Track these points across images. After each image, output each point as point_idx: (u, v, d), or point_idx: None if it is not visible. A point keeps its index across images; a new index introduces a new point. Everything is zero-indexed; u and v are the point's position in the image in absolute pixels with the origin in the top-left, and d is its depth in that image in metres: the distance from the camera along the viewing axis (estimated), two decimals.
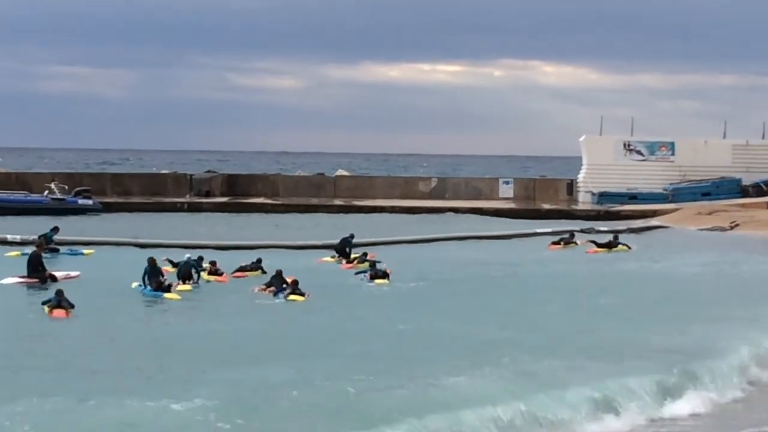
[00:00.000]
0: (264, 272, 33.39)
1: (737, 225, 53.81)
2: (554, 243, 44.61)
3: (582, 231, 48.42)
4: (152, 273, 30.28)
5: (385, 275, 32.74)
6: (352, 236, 40.46)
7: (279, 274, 30.43)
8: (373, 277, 32.62)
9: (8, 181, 67.40)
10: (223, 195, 67.63)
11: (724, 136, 69.14)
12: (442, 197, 68.33)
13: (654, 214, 60.49)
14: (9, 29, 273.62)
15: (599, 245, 43.13)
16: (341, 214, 59.96)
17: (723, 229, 52.80)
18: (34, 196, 60.62)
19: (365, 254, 37.50)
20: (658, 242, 47.98)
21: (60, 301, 26.45)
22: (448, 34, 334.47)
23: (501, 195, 69.16)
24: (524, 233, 49.07)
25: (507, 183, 71.15)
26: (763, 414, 18.96)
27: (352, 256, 38.28)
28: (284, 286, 29.48)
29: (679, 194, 64.71)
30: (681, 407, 18.68)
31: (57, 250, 39.15)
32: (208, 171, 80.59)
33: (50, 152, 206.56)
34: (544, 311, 27.59)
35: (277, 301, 28.62)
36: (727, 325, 24.99)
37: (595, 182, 66.84)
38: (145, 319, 27.19)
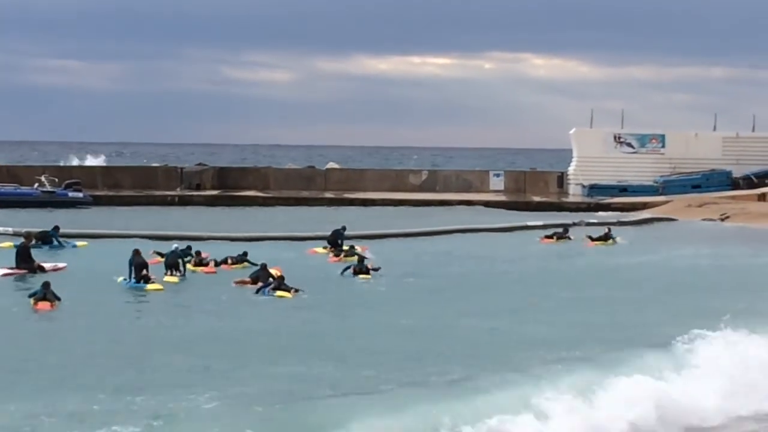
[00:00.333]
0: (251, 264, 33.43)
1: (727, 217, 53.98)
2: (547, 237, 44.44)
3: (574, 224, 48.30)
4: (136, 264, 30.35)
5: (368, 270, 32.67)
6: (344, 228, 40.57)
7: (264, 267, 30.40)
8: (357, 272, 32.57)
9: None
10: (213, 188, 67.55)
11: (715, 129, 69.24)
12: (432, 190, 68.33)
13: (644, 206, 60.62)
14: None
15: (594, 239, 42.94)
16: (332, 207, 59.93)
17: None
18: (25, 189, 60.50)
19: (352, 247, 37.49)
20: (658, 235, 47.92)
21: (45, 294, 26.46)
22: (438, 27, 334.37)
23: (491, 187, 69.18)
24: (515, 226, 48.93)
25: (497, 175, 71.19)
26: None
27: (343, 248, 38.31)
28: (270, 279, 29.37)
29: (669, 186, 64.80)
30: None
31: (50, 243, 39.16)
32: (199, 164, 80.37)
33: (42, 145, 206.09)
34: (543, 306, 27.55)
35: (262, 297, 28.27)
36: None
37: (586, 175, 66.89)
38: (128, 313, 26.98)
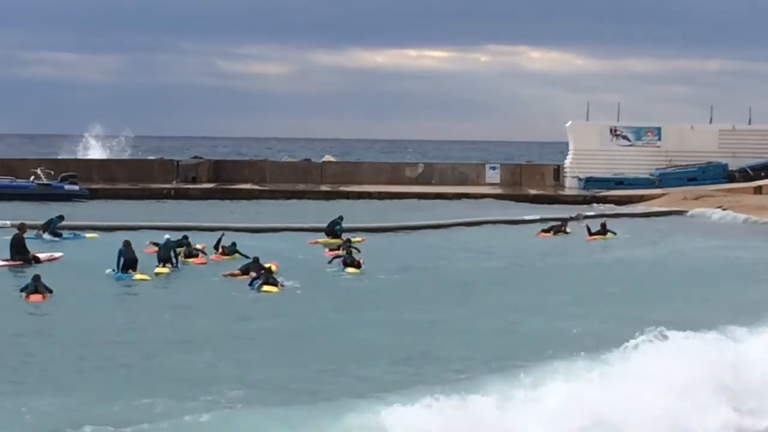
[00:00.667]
0: (242, 255, 33.62)
1: (724, 210, 54.02)
2: (544, 231, 44.33)
3: (571, 218, 48.16)
4: (127, 256, 30.42)
5: (358, 264, 32.63)
6: (341, 218, 41.06)
7: (256, 260, 30.40)
8: (346, 265, 32.57)
9: None
10: (209, 181, 67.53)
11: (711, 122, 69.26)
12: (428, 183, 68.37)
13: (640, 199, 60.71)
14: None
15: (592, 233, 42.76)
16: (328, 200, 59.90)
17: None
18: (20, 182, 60.52)
19: (349, 240, 37.57)
20: (662, 228, 47.83)
21: (37, 286, 26.44)
22: (434, 20, 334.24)
23: (488, 180, 69.21)
24: (512, 220, 48.80)
25: (494, 168, 71.19)
26: None
27: (337, 241, 38.46)
28: (262, 272, 29.33)
29: (665, 179, 64.83)
30: None
31: (60, 235, 39.22)
32: (195, 157, 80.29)
33: (38, 138, 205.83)
34: (544, 301, 27.34)
35: (251, 294, 28.12)
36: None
37: (582, 167, 66.92)
38: (117, 306, 26.85)
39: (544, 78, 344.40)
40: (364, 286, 30.08)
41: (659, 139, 67.80)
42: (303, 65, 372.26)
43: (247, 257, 32.58)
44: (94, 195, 59.80)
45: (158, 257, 32.05)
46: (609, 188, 64.11)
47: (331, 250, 36.88)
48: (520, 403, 15.58)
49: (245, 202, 59.99)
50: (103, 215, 47.18)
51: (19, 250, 32.91)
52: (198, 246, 35.29)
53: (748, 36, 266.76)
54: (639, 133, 67.98)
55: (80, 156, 78.79)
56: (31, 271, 30.12)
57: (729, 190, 61.22)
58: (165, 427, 14.62)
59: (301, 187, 65.79)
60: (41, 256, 33.22)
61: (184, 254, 33.58)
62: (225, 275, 30.52)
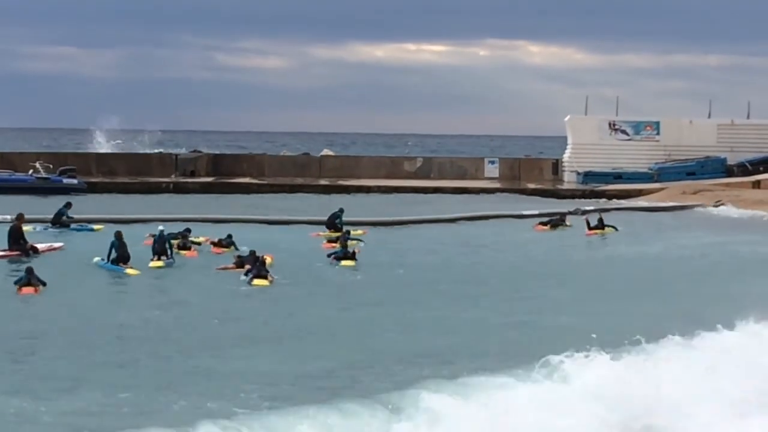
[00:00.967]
0: (236, 248, 33.88)
1: (722, 204, 54.08)
2: (542, 224, 44.32)
3: (570, 212, 48.14)
4: (119, 247, 30.55)
5: (352, 256, 32.68)
6: (341, 210, 41.41)
7: (252, 253, 30.44)
8: (339, 259, 32.61)
9: None
10: (208, 175, 67.52)
11: (710, 116, 69.21)
12: (427, 177, 68.38)
13: (639, 193, 60.75)
14: None
15: (591, 227, 42.71)
16: (327, 194, 59.89)
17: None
18: (19, 175, 60.56)
19: (348, 232, 37.68)
20: (665, 222, 47.79)
21: (30, 279, 26.44)
22: (433, 14, 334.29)
23: (486, 175, 69.22)
24: (510, 214, 48.70)
25: (492, 163, 71.23)
26: None
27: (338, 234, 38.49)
28: (256, 264, 29.40)
29: (664, 174, 64.81)
30: None
31: (68, 226, 39.28)
32: (194, 151, 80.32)
33: (37, 132, 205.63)
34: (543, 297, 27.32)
35: (243, 288, 28.09)
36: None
37: (580, 162, 66.91)
38: (107, 300, 26.85)
39: (542, 72, 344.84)
40: (356, 281, 29.96)
41: (658, 134, 67.78)
42: (302, 59, 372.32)
43: (237, 249, 33.04)
44: (93, 188, 59.74)
45: (153, 250, 32.10)
46: (607, 182, 64.13)
47: (329, 241, 37.03)
48: (531, 400, 15.43)
49: (243, 195, 59.91)
50: (101, 209, 47.14)
51: (17, 240, 32.93)
52: (201, 238, 35.54)
53: (746, 31, 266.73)
54: (638, 127, 67.97)
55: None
56: (34, 261, 30.33)
57: (727, 185, 61.27)
58: (164, 426, 14.53)
59: (299, 181, 65.78)
60: (40, 246, 33.28)
61: (178, 246, 33.74)
62: (218, 269, 30.53)
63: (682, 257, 35.69)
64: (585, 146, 67.45)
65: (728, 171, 65.00)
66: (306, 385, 17.41)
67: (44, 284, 26.61)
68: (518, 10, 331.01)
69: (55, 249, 33.79)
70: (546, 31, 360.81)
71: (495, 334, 21.88)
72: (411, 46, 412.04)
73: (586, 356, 16.93)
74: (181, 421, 14.39)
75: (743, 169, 64.75)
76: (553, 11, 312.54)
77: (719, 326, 19.76)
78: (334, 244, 35.93)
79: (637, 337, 18.37)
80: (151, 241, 33.49)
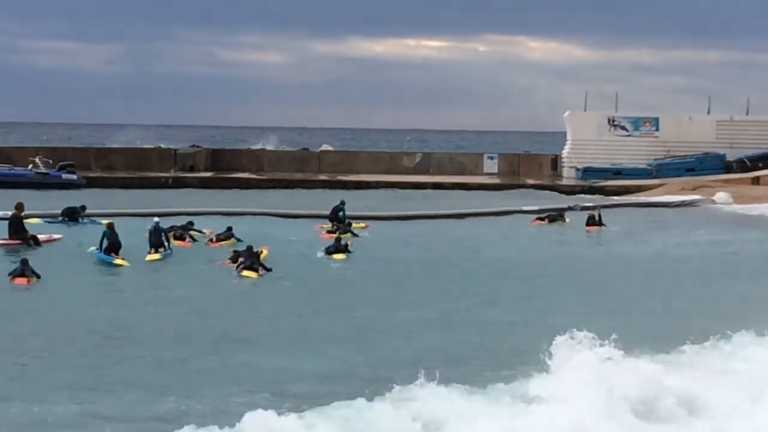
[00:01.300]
0: (238, 240, 34.19)
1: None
2: (539, 219, 44.31)
3: (569, 208, 48.09)
4: (111, 237, 30.65)
5: (345, 249, 32.76)
6: (343, 203, 41.64)
7: (249, 248, 30.47)
8: (330, 252, 32.69)
9: None
10: (207, 170, 67.50)
11: (709, 112, 69.25)
12: (426, 172, 68.38)
13: (638, 189, 60.77)
14: None
15: (591, 223, 42.59)
16: (325, 190, 59.87)
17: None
18: (19, 170, 60.51)
19: (349, 224, 37.89)
20: (666, 219, 47.70)
21: (24, 270, 26.45)
22: (433, 10, 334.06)
23: (485, 170, 69.22)
24: (510, 210, 48.62)
25: (491, 158, 71.21)
26: None
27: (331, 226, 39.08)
28: (251, 257, 29.49)
29: (663, 170, 64.84)
30: None
31: (76, 220, 39.40)
32: (193, 146, 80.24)
33: (35, 126, 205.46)
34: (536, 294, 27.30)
35: (234, 281, 28.10)
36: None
37: (580, 158, 66.91)
38: (99, 294, 26.84)
39: (542, 68, 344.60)
40: (347, 276, 29.84)
41: (657, 130, 67.79)
42: (302, 54, 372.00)
43: (241, 241, 33.26)
44: (91, 183, 59.71)
45: (150, 242, 32.14)
46: (607, 178, 64.14)
47: (328, 232, 37.42)
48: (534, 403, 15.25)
49: (242, 190, 59.85)
50: (100, 204, 47.10)
51: (17, 230, 33.09)
52: (205, 231, 35.82)
53: (746, 27, 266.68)
54: (637, 123, 67.97)
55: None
56: (31, 252, 30.66)
57: (726, 181, 61.25)
58: (163, 426, 14.55)
59: (298, 176, 65.77)
60: (41, 237, 33.53)
61: (174, 236, 34.11)
62: (217, 264, 30.56)
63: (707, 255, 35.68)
64: (584, 142, 67.47)
65: (727, 167, 65.00)
66: (293, 385, 17.16)
67: (38, 276, 26.66)
68: (518, 6, 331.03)
69: (54, 240, 33.93)
70: (545, 27, 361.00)
71: (495, 333, 21.80)
72: (411, 42, 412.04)
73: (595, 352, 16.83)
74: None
75: (742, 165, 64.76)
76: (552, 7, 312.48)
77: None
78: (333, 235, 36.22)
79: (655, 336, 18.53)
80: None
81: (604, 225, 42.40)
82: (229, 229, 35.47)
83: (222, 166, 68.29)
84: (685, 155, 66.13)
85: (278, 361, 18.87)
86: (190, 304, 24.97)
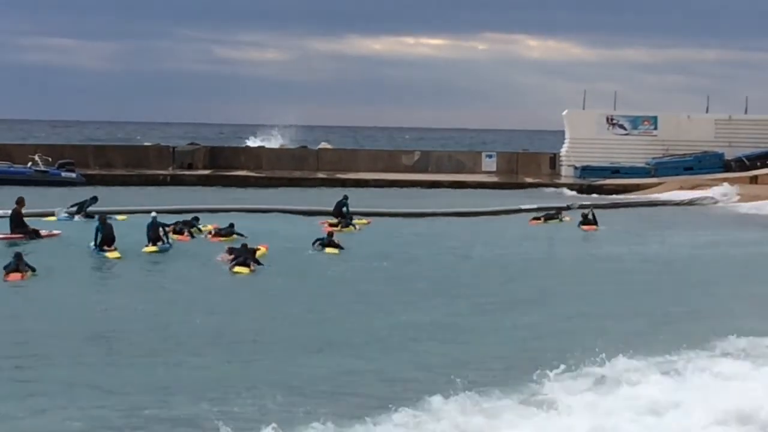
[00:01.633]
0: (240, 235, 34.36)
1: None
2: (535, 218, 44.28)
3: (568, 207, 48.04)
4: (104, 230, 30.92)
5: (337, 244, 32.90)
6: (346, 197, 41.83)
7: (244, 246, 30.53)
8: (324, 245, 32.82)
9: None
10: (205, 167, 67.49)
11: (707, 111, 69.27)
12: (425, 171, 68.42)
13: (637, 188, 60.86)
14: None
15: (586, 222, 42.50)
16: (324, 188, 59.89)
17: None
18: (18, 167, 60.54)
19: (351, 217, 38.22)
20: (666, 217, 47.69)
21: (18, 265, 26.41)
22: (431, 8, 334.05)
23: (484, 169, 69.29)
24: (509, 209, 48.56)
25: (490, 157, 71.26)
26: None
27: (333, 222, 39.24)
28: (245, 254, 29.57)
29: (661, 168, 64.89)
30: None
31: (92, 216, 39.45)
32: (191, 143, 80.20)
33: (34, 124, 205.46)
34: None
35: (223, 278, 28.09)
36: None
37: (578, 156, 66.96)
38: (92, 290, 26.58)
39: (540, 66, 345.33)
40: (339, 272, 29.50)
41: (655, 128, 67.84)
42: (301, 52, 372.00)
43: (242, 236, 33.69)
44: (90, 181, 59.69)
45: (148, 236, 32.27)
46: (605, 177, 64.17)
47: (330, 225, 37.89)
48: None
49: (241, 189, 59.82)
50: (100, 202, 47.14)
51: (18, 224, 33.36)
52: (209, 227, 36.16)
53: (744, 26, 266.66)
54: (635, 122, 68.01)
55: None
56: (32, 246, 30.82)
57: (725, 180, 61.25)
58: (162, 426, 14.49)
59: (297, 174, 65.78)
60: (41, 231, 33.71)
61: (173, 230, 34.34)
62: (219, 259, 30.55)
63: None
64: (583, 141, 67.52)
65: (726, 166, 65.04)
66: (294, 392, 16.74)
67: (33, 270, 26.61)
68: (517, 4, 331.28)
69: (53, 235, 34.04)
70: (544, 26, 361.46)
71: (495, 335, 21.61)
72: (409, 40, 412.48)
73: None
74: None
75: (741, 164, 64.81)
76: (551, 5, 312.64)
77: None
78: (335, 229, 36.51)
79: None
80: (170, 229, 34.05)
81: (597, 225, 42.29)
82: (231, 225, 35.56)
83: (220, 164, 68.28)
84: (684, 154, 66.19)
85: (290, 365, 18.55)
86: (178, 301, 24.82)
